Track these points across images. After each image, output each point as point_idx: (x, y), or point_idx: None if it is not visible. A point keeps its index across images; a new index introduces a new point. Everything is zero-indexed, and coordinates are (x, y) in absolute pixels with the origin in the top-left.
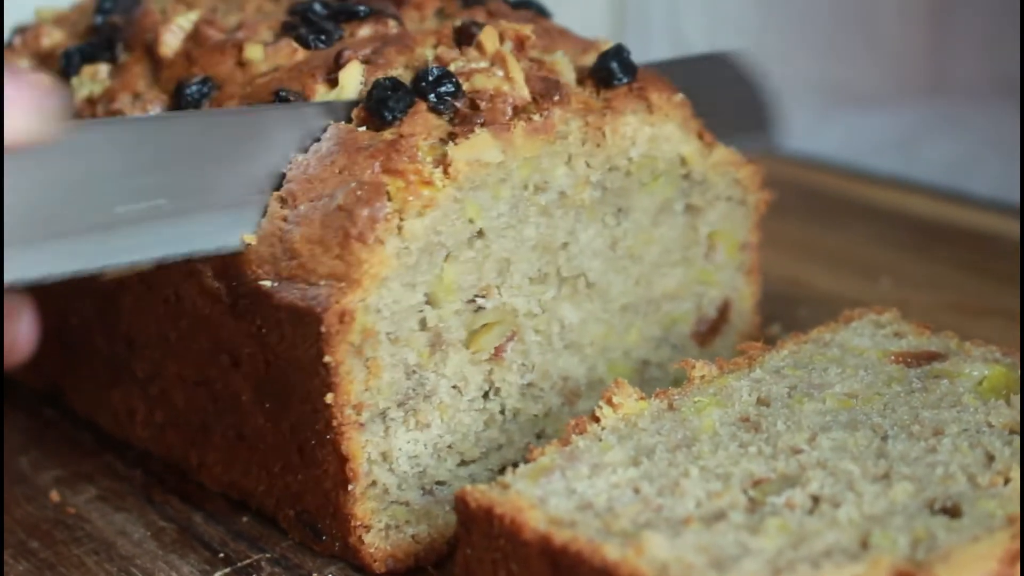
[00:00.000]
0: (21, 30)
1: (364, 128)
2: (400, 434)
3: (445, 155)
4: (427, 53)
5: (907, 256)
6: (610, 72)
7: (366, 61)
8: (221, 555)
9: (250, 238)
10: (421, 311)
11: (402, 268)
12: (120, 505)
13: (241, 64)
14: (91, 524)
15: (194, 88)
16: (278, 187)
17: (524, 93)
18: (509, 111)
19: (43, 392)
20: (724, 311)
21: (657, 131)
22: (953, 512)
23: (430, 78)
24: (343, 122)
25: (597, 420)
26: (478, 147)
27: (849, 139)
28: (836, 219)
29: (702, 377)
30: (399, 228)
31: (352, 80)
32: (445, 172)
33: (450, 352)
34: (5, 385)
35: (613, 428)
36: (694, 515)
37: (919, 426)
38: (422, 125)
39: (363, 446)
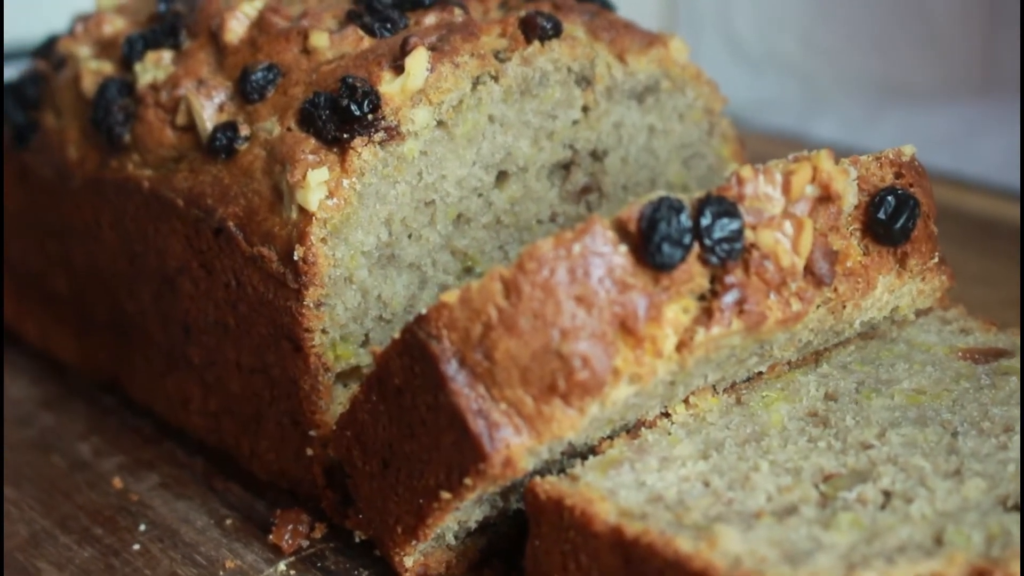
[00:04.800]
0: (83, 18)
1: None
2: None
3: (692, 334)
4: (494, 43)
5: (962, 252)
6: (890, 233)
7: (432, 48)
8: None
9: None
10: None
11: (586, 429)
12: (182, 492)
13: (306, 51)
14: (154, 511)
15: (260, 74)
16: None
17: (799, 269)
18: (772, 296)
19: (101, 381)
20: None
21: (895, 296)
22: None
23: (710, 209)
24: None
25: (667, 415)
26: (727, 337)
27: (903, 135)
28: None
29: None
30: (605, 398)
31: (419, 67)
32: (679, 348)
33: None
34: (65, 372)
35: (682, 422)
36: (765, 509)
37: (989, 423)
38: (686, 275)
39: None
